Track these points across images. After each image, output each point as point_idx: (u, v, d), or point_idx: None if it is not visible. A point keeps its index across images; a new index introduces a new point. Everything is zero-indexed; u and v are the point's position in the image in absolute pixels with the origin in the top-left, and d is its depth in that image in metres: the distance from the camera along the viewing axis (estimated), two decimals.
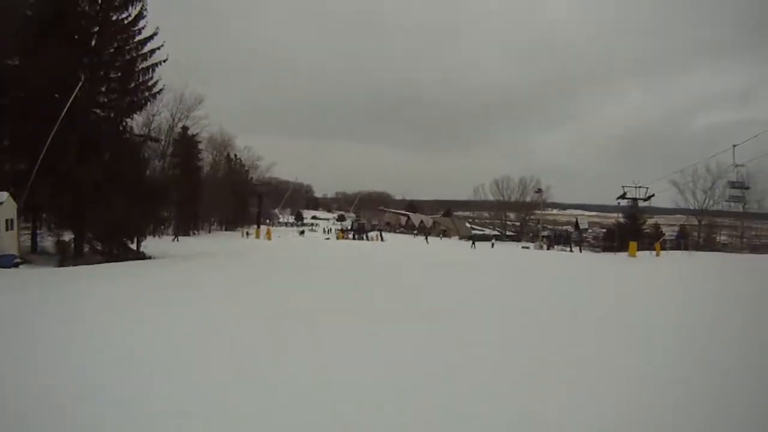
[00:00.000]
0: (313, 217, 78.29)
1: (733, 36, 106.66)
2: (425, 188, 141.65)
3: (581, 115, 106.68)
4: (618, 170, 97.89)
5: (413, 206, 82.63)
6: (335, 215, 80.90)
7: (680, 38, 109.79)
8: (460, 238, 59.30)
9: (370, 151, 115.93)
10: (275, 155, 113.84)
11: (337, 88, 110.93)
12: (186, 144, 44.04)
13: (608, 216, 46.96)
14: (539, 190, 54.95)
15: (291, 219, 73.99)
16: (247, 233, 44.65)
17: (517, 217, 61.08)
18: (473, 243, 44.10)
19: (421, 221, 67.39)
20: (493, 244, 40.56)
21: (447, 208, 74.51)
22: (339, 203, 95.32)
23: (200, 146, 47.03)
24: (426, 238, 50.07)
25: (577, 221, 47.81)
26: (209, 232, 49.94)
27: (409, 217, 69.88)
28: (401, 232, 64.97)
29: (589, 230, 46.28)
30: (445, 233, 59.30)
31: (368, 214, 75.71)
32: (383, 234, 44.68)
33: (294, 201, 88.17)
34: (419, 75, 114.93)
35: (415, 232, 63.74)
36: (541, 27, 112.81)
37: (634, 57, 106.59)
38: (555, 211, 64.82)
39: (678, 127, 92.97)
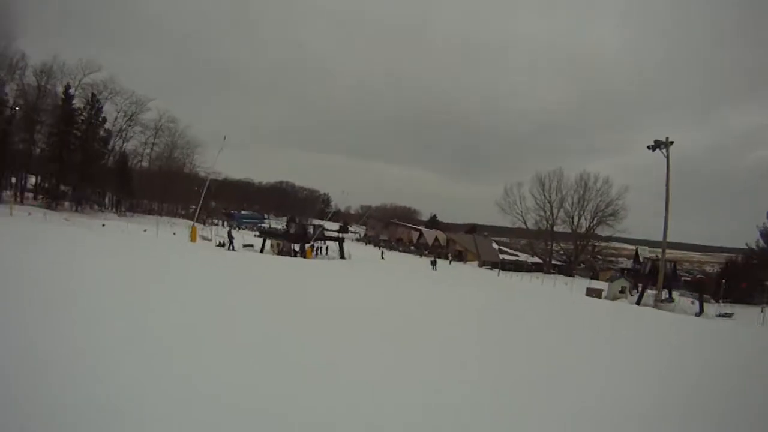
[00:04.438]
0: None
1: None
2: (461, 214, 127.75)
3: (622, 145, 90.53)
4: (660, 204, 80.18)
5: (436, 223, 68.05)
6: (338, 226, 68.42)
7: (740, 66, 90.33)
8: (481, 265, 43.82)
9: (404, 172, 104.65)
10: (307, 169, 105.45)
11: (375, 104, 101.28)
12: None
13: (655, 251, 31.99)
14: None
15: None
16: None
17: (573, 246, 44.97)
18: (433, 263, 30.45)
19: (436, 238, 52.64)
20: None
21: (472, 226, 59.15)
22: (364, 219, 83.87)
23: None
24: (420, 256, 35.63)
25: (637, 252, 32.88)
26: (79, 210, 37.19)
27: (421, 234, 55.28)
28: (408, 251, 50.64)
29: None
30: (460, 256, 44.04)
31: (385, 230, 62.57)
32: (344, 247, 29.90)
33: (303, 209, 78.17)
34: (459, 97, 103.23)
35: (426, 252, 49.03)
36: (587, 52, 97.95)
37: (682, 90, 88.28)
38: (600, 244, 48.12)
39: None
